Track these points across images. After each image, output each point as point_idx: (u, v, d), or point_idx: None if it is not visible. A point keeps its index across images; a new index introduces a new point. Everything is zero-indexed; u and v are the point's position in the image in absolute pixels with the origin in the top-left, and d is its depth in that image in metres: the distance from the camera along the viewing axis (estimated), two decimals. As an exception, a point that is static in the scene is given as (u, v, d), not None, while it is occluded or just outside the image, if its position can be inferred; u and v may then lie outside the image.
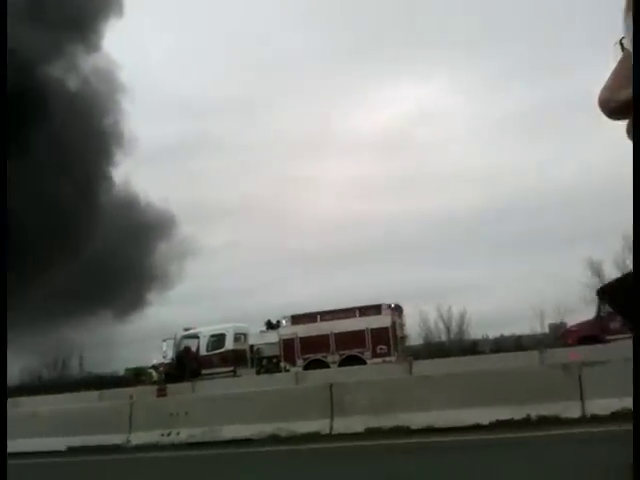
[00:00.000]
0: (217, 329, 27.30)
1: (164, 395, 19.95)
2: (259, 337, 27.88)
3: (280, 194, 76.29)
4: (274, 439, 11.18)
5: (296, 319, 26.67)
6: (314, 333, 25.55)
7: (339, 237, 69.08)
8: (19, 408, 19.90)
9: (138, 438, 12.41)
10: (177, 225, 51.65)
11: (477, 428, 9.43)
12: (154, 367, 24.51)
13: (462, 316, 45.00)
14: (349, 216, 71.51)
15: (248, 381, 21.93)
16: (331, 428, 11.13)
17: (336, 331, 25.11)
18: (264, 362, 26.72)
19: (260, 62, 75.47)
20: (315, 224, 72.78)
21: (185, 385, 22.24)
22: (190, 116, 74.32)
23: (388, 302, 26.09)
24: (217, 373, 25.02)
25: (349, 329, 24.97)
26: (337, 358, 24.89)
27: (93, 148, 52.06)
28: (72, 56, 50.90)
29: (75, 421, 13.08)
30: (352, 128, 75.90)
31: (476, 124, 75.47)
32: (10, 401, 23.84)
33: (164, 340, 27.45)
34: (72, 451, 12.29)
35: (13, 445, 12.77)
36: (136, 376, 30.01)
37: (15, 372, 45.47)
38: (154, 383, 22.39)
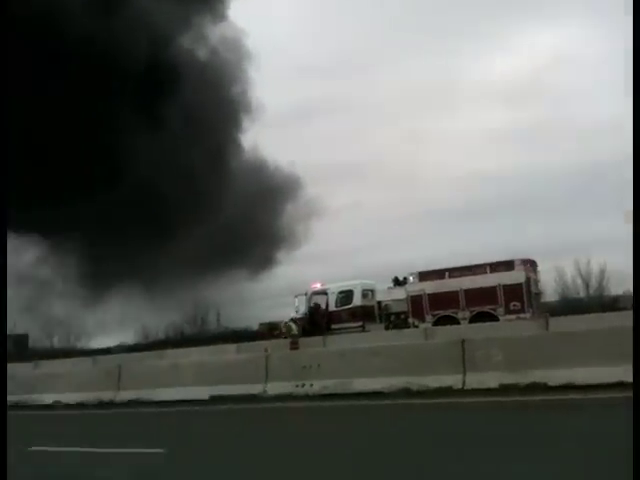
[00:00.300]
0: (345, 285, 27.64)
1: (296, 348, 20.58)
2: (386, 293, 27.89)
3: (406, 151, 75.15)
4: (405, 392, 11.19)
5: (424, 276, 26.39)
6: (443, 289, 25.18)
7: (468, 192, 67.00)
8: (164, 360, 21.40)
9: (274, 388, 12.91)
10: (303, 187, 52.59)
11: (620, 386, 8.87)
12: (293, 320, 25.23)
13: (602, 271, 42.18)
14: (478, 170, 69.16)
15: (377, 336, 22.08)
16: (464, 383, 10.96)
17: (466, 287, 24.58)
18: (392, 318, 26.77)
19: (385, 20, 73.82)
20: (443, 179, 71.00)
21: (316, 339, 22.80)
22: (316, 78, 74.63)
23: (521, 257, 25.16)
24: (346, 328, 25.43)
25: (480, 285, 24.38)
26: (467, 315, 24.42)
27: (223, 117, 53.73)
28: (200, 27, 52.39)
29: (216, 372, 13.81)
30: (479, 79, 72.83)
31: (613, 72, 69.78)
32: (155, 353, 25.70)
33: (296, 296, 28.21)
34: (214, 400, 13.02)
35: (158, 393, 13.81)
36: (270, 330, 31.12)
37: (161, 327, 48.95)
38: (293, 336, 23.08)
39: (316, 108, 70.16)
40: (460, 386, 10.92)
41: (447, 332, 19.65)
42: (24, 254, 49.81)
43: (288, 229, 53.21)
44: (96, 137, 41.93)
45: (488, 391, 10.28)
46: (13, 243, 47.37)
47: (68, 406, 15.00)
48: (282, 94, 67.59)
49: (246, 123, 53.10)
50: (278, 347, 20.80)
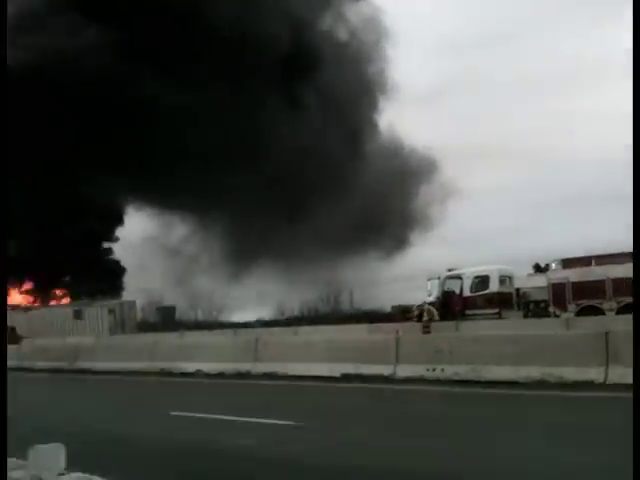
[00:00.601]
0: (481, 270, 26.86)
1: (428, 332, 20.35)
2: (526, 280, 26.84)
3: (550, 130, 71.21)
4: (541, 384, 10.72)
5: (568, 263, 25.12)
6: (588, 278, 23.79)
7: (618, 174, 62.44)
8: (298, 336, 22.03)
9: (404, 371, 12.85)
10: (438, 168, 51.66)
11: None
12: (432, 304, 24.96)
13: None
14: (626, 153, 64.02)
15: (514, 324, 21.31)
16: (605, 377, 10.32)
17: (614, 276, 23.00)
18: (531, 306, 25.71)
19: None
20: (588, 161, 66.70)
21: (449, 324, 22.41)
22: (455, 53, 72.70)
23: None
24: (481, 314, 24.74)
25: (630, 274, 22.77)
26: (614, 305, 22.89)
27: (360, 98, 53.95)
28: (339, 7, 52.74)
29: (347, 351, 13.99)
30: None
31: None
32: (290, 329, 26.50)
33: (429, 279, 27.87)
34: (345, 378, 13.21)
35: (291, 368, 14.21)
36: (402, 313, 31.10)
37: (296, 304, 50.44)
38: (429, 320, 22.83)
39: (455, 85, 68.45)
40: (602, 380, 10.28)
41: (590, 323, 18.54)
42: (174, 230, 53.24)
43: (422, 211, 52.55)
44: (242, 118, 43.68)
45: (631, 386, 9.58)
46: (165, 219, 50.90)
47: (208, 375, 15.85)
48: (420, 71, 66.47)
49: (382, 103, 52.86)
50: (410, 330, 20.68)
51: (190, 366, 16.66)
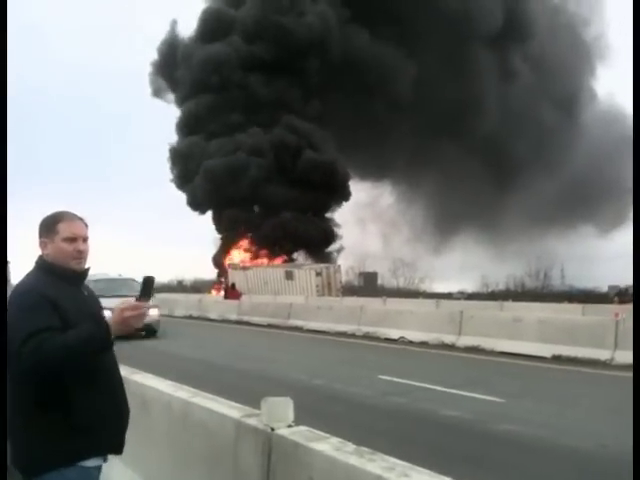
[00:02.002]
0: None
1: (652, 318, 18.57)
2: None
3: None
4: None
5: None
6: None
7: None
8: (504, 312, 21.36)
9: (623, 357, 11.90)
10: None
11: None
12: None
13: None
14: None
15: None
16: None
17: None
18: None
19: None
20: None
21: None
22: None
23: None
24: None
25: None
26: None
27: (575, 64, 50.19)
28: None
29: (560, 331, 13.27)
30: None
31: None
32: (496, 304, 25.77)
33: None
34: (556, 359, 12.61)
35: (498, 344, 13.85)
36: (618, 294, 28.87)
37: (501, 278, 48.86)
38: None
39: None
40: None
41: None
42: (383, 199, 54.31)
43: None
44: (455, 88, 43.60)
45: None
46: (376, 189, 52.30)
47: (411, 343, 16.07)
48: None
49: (601, 69, 48.88)
50: (630, 313, 19.04)
51: (394, 332, 16.99)
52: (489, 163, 47.56)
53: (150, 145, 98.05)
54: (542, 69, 48.56)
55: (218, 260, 50.10)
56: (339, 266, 42.83)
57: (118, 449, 2.58)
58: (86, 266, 2.53)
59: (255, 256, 48.35)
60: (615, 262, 47.33)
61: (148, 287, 2.41)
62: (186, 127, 47.53)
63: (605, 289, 38.62)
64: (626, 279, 31.60)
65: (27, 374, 2.24)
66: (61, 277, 2.44)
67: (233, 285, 36.74)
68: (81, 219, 2.53)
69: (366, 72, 42.37)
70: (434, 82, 42.88)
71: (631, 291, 27.45)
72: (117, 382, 2.59)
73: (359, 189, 50.69)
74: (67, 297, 2.39)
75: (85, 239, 2.50)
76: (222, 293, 39.08)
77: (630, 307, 22.27)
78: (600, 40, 49.74)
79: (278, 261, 47.15)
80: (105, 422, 2.45)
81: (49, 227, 2.45)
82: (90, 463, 2.43)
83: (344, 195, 48.15)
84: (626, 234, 47.89)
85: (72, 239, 2.44)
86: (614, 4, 45.23)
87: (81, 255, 2.48)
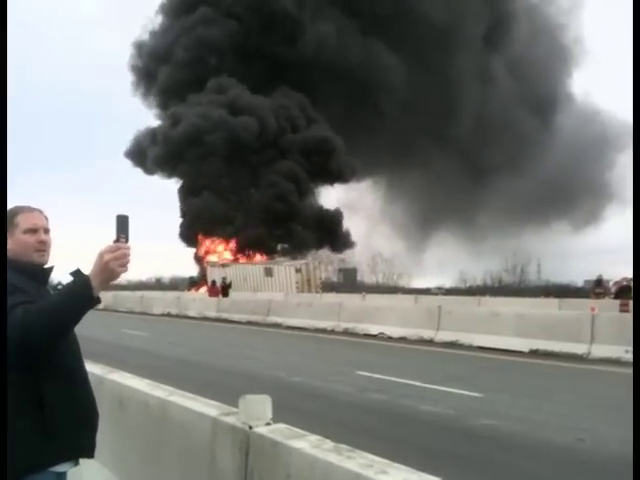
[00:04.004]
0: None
1: (627, 311, 18.86)
2: None
3: None
4: None
5: None
6: None
7: None
8: (482, 307, 21.56)
9: (599, 351, 12.09)
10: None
11: None
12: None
13: None
14: None
15: None
16: None
17: None
18: None
19: None
20: None
21: (651, 304, 20.57)
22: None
23: None
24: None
25: None
26: None
27: (553, 65, 50.86)
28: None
29: (536, 326, 13.41)
30: None
31: None
32: (473, 299, 25.97)
33: None
34: (533, 353, 12.74)
35: (476, 339, 13.96)
36: (593, 288, 29.31)
37: (478, 274, 49.31)
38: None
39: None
40: None
41: None
42: (362, 197, 54.46)
43: (621, 182, 48.51)
44: (441, 91, 44.36)
45: None
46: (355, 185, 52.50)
47: (391, 338, 16.13)
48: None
49: (578, 71, 49.77)
50: (606, 307, 19.30)
51: (373, 328, 17.05)
52: (468, 162, 48.01)
53: (125, 135, 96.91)
54: (520, 71, 49.12)
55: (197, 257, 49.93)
56: (319, 262, 42.89)
57: (90, 452, 2.46)
58: (50, 264, 2.41)
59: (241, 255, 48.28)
60: (588, 257, 48.05)
61: (124, 226, 2.20)
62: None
63: (580, 284, 39.12)
64: (599, 273, 32.03)
65: (19, 352, 2.08)
66: (24, 272, 2.29)
67: (213, 282, 36.60)
68: (40, 211, 2.41)
69: (355, 76, 42.63)
70: (418, 85, 43.32)
71: (607, 284, 27.79)
72: (85, 382, 2.47)
73: (340, 188, 50.87)
74: (34, 294, 2.25)
75: (46, 230, 2.38)
76: (203, 290, 38.98)
77: (606, 301, 22.60)
78: (578, 43, 50.47)
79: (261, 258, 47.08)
80: (76, 424, 2.35)
81: (8, 222, 2.32)
82: (61, 468, 2.33)
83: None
84: (598, 230, 48.51)
85: (33, 230, 2.33)
86: (589, 5, 45.34)
87: (43, 246, 2.36)
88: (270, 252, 47.74)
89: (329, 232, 48.62)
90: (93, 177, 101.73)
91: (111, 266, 2.08)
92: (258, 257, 47.56)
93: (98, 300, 2.13)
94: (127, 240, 2.16)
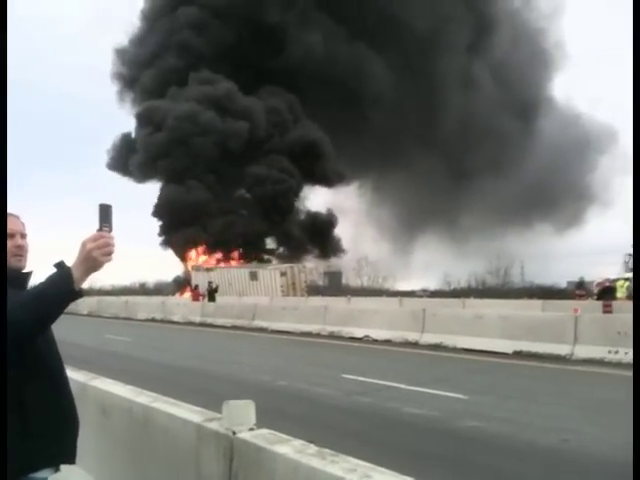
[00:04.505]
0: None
1: (609, 312, 19.04)
2: None
3: None
4: None
5: None
6: None
7: None
8: (467, 309, 21.64)
9: (583, 351, 12.20)
10: (618, 137, 47.88)
11: None
12: (627, 279, 23.00)
13: None
14: None
15: None
16: None
17: None
18: None
19: None
20: None
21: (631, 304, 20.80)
22: None
23: None
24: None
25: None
26: None
27: (534, 70, 51.38)
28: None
29: (521, 328, 13.50)
30: None
31: None
32: (458, 301, 26.10)
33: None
34: (517, 355, 12.82)
35: (460, 341, 14.02)
36: (575, 289, 29.61)
37: (463, 276, 49.56)
38: (611, 298, 21.36)
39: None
40: None
41: None
42: (348, 201, 54.57)
43: (602, 183, 49.11)
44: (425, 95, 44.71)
45: None
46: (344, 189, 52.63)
47: (376, 341, 16.15)
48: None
49: (559, 75, 50.45)
50: (587, 308, 19.48)
51: (359, 331, 17.07)
52: (452, 165, 48.30)
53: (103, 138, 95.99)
54: (503, 75, 49.54)
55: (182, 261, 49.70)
56: (304, 265, 42.89)
57: (71, 458, 2.40)
58: (29, 269, 2.36)
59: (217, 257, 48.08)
60: (571, 259, 48.50)
61: (107, 215, 2.14)
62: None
63: (563, 285, 39.43)
64: (582, 275, 32.35)
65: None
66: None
67: (196, 286, 36.46)
68: (16, 216, 2.37)
69: (341, 80, 42.75)
70: (403, 89, 43.60)
71: (589, 285, 28.06)
72: (66, 385, 2.43)
73: (323, 191, 50.92)
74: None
75: (23, 235, 2.34)
76: (188, 295, 38.82)
77: (589, 302, 22.81)
78: (559, 47, 50.99)
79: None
80: (58, 429, 2.31)
81: None
82: (41, 474, 2.28)
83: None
84: (580, 232, 49.01)
85: (10, 235, 2.28)
86: (569, 9, 45.95)
87: (21, 251, 2.31)
88: (261, 251, 47.67)
89: (320, 236, 48.61)
90: (73, 181, 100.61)
91: (94, 255, 2.03)
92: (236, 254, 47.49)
93: (80, 293, 2.08)
94: (110, 230, 2.11)
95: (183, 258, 48.58)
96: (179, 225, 44.70)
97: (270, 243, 49.52)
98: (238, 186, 46.83)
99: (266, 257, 48.69)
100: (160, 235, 48.07)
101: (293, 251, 47.80)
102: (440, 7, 44.48)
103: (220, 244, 46.36)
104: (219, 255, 47.96)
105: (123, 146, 47.80)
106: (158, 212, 46.89)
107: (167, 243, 47.97)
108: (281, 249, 49.28)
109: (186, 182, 43.54)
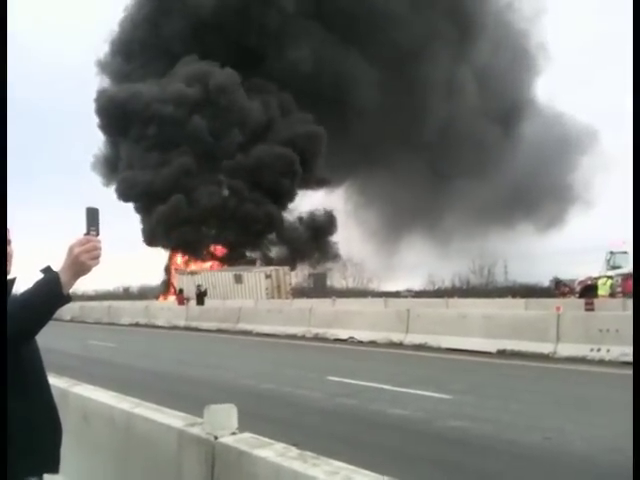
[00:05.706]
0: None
1: (591, 310, 19.24)
2: None
3: None
4: None
5: None
6: None
7: None
8: (450, 309, 21.74)
9: (565, 349, 12.29)
10: (600, 138, 48.50)
11: None
12: (610, 277, 23.18)
13: None
14: None
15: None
16: None
17: None
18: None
19: None
20: None
21: (614, 301, 21.04)
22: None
23: None
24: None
25: None
26: None
27: (518, 75, 51.79)
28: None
29: (504, 327, 13.58)
30: None
31: None
32: (442, 301, 26.20)
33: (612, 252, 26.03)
34: (501, 354, 12.90)
35: (444, 340, 14.10)
36: (556, 287, 29.93)
37: (447, 276, 49.78)
38: (594, 296, 21.61)
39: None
40: None
41: None
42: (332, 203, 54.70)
43: (582, 183, 49.62)
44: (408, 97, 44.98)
45: None
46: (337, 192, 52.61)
47: (361, 343, 16.18)
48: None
49: (542, 77, 50.95)
50: (570, 306, 19.67)
51: (343, 333, 17.08)
52: (435, 166, 48.54)
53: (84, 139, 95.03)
54: (485, 78, 49.86)
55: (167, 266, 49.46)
56: (288, 268, 42.84)
57: (54, 467, 2.35)
58: (12, 275, 2.29)
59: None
60: (554, 258, 48.89)
61: (94, 219, 2.11)
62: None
63: (546, 284, 39.76)
64: (564, 274, 32.70)
65: None
66: None
67: (181, 290, 36.30)
68: None
69: (327, 85, 42.84)
70: (388, 92, 43.80)
71: (571, 284, 28.32)
72: (48, 392, 2.37)
73: (311, 194, 51.01)
74: None
75: (7, 241, 2.26)
76: (172, 299, 38.65)
77: (571, 300, 23.03)
78: (541, 49, 51.39)
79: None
80: (40, 438, 2.26)
81: None
82: None
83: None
84: (562, 232, 49.49)
85: None
86: (550, 8, 46.34)
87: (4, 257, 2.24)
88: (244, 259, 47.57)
89: (319, 240, 48.64)
90: (47, 189, 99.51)
91: (82, 259, 2.01)
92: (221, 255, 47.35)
93: (68, 298, 2.05)
94: (98, 233, 2.09)
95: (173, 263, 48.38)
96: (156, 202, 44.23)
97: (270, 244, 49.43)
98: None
99: (249, 255, 48.54)
100: (136, 212, 47.63)
101: (293, 254, 47.77)
102: (425, 13, 44.75)
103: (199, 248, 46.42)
104: (203, 261, 47.89)
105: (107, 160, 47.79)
106: (128, 195, 46.30)
107: (150, 237, 47.38)
108: (274, 251, 49.16)
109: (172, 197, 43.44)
